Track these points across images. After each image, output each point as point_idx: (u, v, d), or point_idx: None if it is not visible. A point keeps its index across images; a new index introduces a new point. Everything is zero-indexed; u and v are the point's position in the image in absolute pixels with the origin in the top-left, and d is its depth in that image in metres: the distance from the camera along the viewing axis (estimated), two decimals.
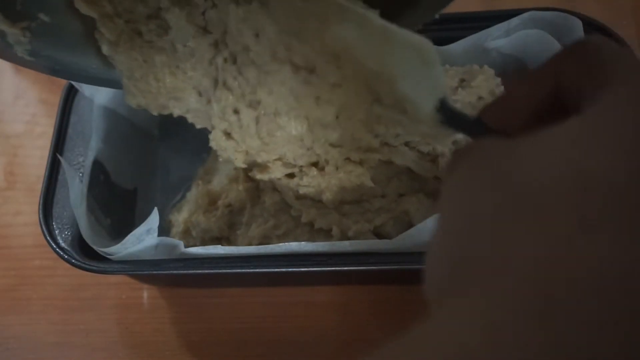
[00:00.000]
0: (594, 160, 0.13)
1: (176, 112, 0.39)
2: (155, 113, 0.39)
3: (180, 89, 0.37)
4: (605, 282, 0.12)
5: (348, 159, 0.39)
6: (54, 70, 0.37)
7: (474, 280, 0.14)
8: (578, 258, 0.12)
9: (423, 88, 0.25)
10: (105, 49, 0.36)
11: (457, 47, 0.42)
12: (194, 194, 0.44)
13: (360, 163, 0.39)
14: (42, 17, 0.34)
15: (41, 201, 0.41)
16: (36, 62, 0.35)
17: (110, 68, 0.37)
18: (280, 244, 0.36)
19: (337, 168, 0.38)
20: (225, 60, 0.36)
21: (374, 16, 0.28)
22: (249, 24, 0.34)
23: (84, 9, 0.34)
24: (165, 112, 0.39)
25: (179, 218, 0.42)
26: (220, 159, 0.41)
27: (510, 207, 0.14)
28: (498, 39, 0.42)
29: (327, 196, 0.38)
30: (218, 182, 0.44)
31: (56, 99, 0.45)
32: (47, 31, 0.34)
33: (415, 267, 0.36)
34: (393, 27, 0.27)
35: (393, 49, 0.27)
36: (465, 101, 0.40)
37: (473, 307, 0.13)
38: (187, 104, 0.38)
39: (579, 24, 0.39)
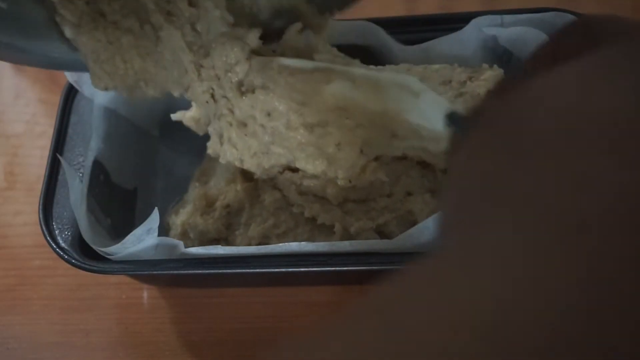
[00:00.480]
0: (608, 96, 0.13)
1: (150, 93, 0.38)
2: (124, 95, 0.38)
3: (151, 72, 0.37)
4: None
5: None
6: (16, 58, 0.36)
7: (502, 203, 0.13)
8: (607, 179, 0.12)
9: (427, 112, 0.26)
10: (67, 32, 0.35)
11: (448, 40, 0.42)
12: (191, 195, 0.44)
13: (376, 158, 0.39)
14: None
15: (41, 201, 0.41)
16: None
17: (75, 51, 0.36)
18: (280, 244, 0.36)
19: (350, 181, 0.39)
20: (230, 123, 0.37)
21: (354, 68, 0.30)
22: (259, 108, 0.35)
23: None
24: (137, 94, 0.38)
25: (177, 221, 0.42)
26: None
27: (536, 141, 0.13)
28: (494, 26, 0.42)
29: (331, 191, 0.38)
30: (215, 183, 0.44)
31: (56, 99, 0.45)
32: (4, 18, 0.33)
33: None
34: (372, 72, 0.28)
35: (383, 91, 0.28)
36: (475, 93, 0.40)
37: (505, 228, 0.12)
38: (162, 86, 0.37)
39: None
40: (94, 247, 0.38)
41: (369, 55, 0.44)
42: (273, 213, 0.40)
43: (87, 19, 0.35)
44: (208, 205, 0.42)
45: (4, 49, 0.35)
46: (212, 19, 0.34)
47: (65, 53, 0.37)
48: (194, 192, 0.43)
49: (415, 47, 0.43)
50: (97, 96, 0.43)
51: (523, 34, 0.41)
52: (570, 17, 0.39)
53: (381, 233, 0.38)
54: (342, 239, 0.38)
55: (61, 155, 0.42)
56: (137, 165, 0.48)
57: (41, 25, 0.35)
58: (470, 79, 0.42)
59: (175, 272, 0.38)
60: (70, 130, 0.44)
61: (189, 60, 0.35)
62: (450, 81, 0.42)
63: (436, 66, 0.43)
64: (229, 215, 0.42)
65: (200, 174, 0.46)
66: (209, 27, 0.35)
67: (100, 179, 0.43)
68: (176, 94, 0.38)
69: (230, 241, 0.41)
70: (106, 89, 0.37)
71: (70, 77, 0.42)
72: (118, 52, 0.35)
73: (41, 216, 0.40)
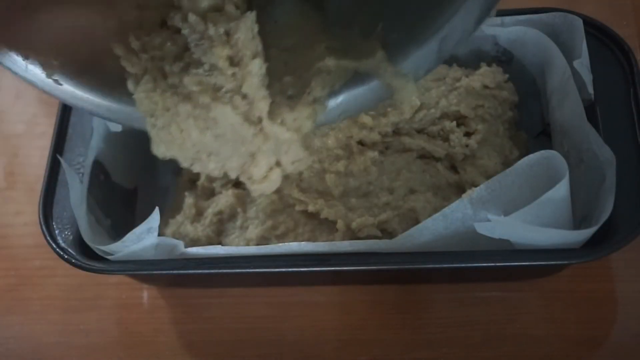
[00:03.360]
0: None
1: (211, 167, 0.33)
2: (186, 165, 0.34)
3: (212, 146, 0.33)
4: None
5: (360, 143, 0.40)
6: (87, 107, 0.35)
7: None
8: None
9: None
10: (129, 86, 0.33)
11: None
12: (178, 204, 0.44)
13: (372, 146, 0.40)
14: None
15: (41, 201, 0.41)
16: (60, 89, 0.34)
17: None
18: (280, 244, 0.36)
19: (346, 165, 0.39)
20: None
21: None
22: None
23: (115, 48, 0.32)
24: (198, 167, 0.34)
25: (167, 231, 0.42)
26: None
27: None
28: (494, 26, 0.42)
29: (330, 178, 0.39)
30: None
31: (56, 99, 0.45)
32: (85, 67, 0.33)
33: (415, 267, 0.36)
34: None
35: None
36: (470, 87, 0.40)
37: None
38: (225, 163, 0.34)
39: (579, 22, 0.39)
40: (93, 246, 0.38)
41: None
42: (270, 215, 0.40)
43: (148, 77, 0.33)
44: (198, 213, 0.42)
45: (78, 98, 0.34)
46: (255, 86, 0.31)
47: (132, 110, 0.35)
48: (184, 201, 0.43)
49: None
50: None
51: (522, 34, 0.41)
52: (571, 17, 0.39)
53: (383, 231, 0.38)
54: (345, 237, 0.38)
55: (61, 155, 0.42)
56: (137, 165, 0.48)
57: (113, 77, 0.34)
58: (467, 75, 0.42)
59: (175, 272, 0.38)
60: (70, 130, 0.44)
61: (252, 134, 0.32)
62: (444, 78, 0.42)
63: None
64: (220, 222, 0.42)
65: (185, 182, 0.46)
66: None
67: (100, 179, 0.43)
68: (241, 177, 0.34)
69: (224, 245, 0.41)
70: (164, 157, 0.34)
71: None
72: (174, 121, 0.33)
73: (41, 216, 0.40)
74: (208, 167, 0.33)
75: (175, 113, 0.33)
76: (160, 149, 0.34)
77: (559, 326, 0.40)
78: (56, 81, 0.33)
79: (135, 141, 0.47)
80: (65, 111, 0.44)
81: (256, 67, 0.30)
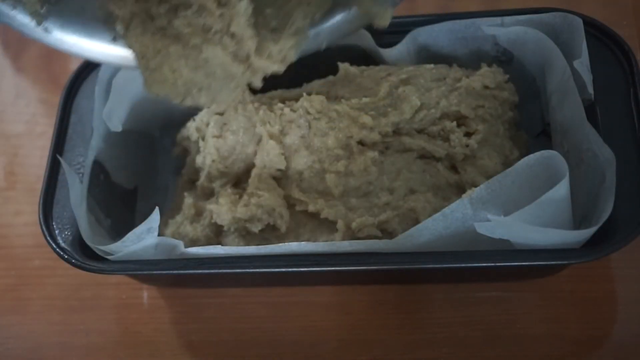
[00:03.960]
0: None
1: (202, 101, 0.35)
2: (177, 101, 0.35)
3: (203, 82, 0.35)
4: None
5: (360, 143, 0.40)
6: (79, 52, 0.35)
7: None
8: None
9: None
10: (118, 28, 0.34)
11: (442, 27, 0.43)
12: (178, 204, 0.44)
13: (372, 146, 0.39)
14: None
15: (41, 201, 0.41)
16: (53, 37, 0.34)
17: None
18: (280, 244, 0.36)
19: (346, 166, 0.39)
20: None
21: None
22: None
23: None
24: (189, 102, 0.35)
25: (167, 232, 0.42)
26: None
27: None
28: (494, 26, 0.42)
29: (330, 178, 0.38)
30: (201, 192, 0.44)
31: (56, 99, 0.45)
32: (68, 10, 0.33)
33: (415, 267, 0.36)
34: None
35: None
36: (470, 87, 0.40)
37: None
38: (216, 96, 0.36)
39: (579, 22, 0.39)
40: (93, 246, 0.38)
41: (366, 56, 0.45)
42: (270, 214, 0.40)
43: (136, 20, 0.33)
44: (198, 213, 0.42)
45: (68, 44, 0.34)
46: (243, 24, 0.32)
47: (124, 52, 0.35)
48: (183, 201, 0.43)
49: (399, 47, 0.43)
50: (98, 101, 0.43)
51: (523, 34, 0.41)
52: (571, 17, 0.39)
53: (383, 231, 0.38)
54: (345, 237, 0.38)
55: (61, 155, 0.42)
56: (137, 165, 0.48)
57: (103, 22, 0.34)
58: (467, 76, 0.42)
59: (175, 272, 0.38)
60: (70, 130, 0.44)
61: (241, 71, 0.34)
62: (444, 78, 0.42)
63: (430, 65, 0.43)
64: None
65: (185, 182, 0.46)
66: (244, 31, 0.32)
67: (100, 179, 0.43)
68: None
69: (224, 245, 0.41)
70: (157, 95, 0.35)
71: (105, 112, 0.42)
72: (166, 62, 0.34)
73: (41, 216, 0.40)
74: (199, 101, 0.35)
75: (166, 54, 0.33)
76: (153, 89, 0.35)
77: (559, 326, 0.40)
78: (46, 29, 0.33)
79: (135, 141, 0.47)
80: (65, 111, 0.44)
81: (243, 7, 0.31)
